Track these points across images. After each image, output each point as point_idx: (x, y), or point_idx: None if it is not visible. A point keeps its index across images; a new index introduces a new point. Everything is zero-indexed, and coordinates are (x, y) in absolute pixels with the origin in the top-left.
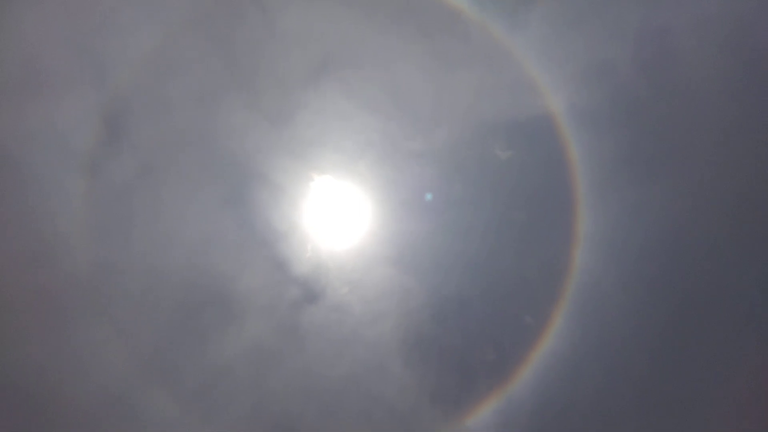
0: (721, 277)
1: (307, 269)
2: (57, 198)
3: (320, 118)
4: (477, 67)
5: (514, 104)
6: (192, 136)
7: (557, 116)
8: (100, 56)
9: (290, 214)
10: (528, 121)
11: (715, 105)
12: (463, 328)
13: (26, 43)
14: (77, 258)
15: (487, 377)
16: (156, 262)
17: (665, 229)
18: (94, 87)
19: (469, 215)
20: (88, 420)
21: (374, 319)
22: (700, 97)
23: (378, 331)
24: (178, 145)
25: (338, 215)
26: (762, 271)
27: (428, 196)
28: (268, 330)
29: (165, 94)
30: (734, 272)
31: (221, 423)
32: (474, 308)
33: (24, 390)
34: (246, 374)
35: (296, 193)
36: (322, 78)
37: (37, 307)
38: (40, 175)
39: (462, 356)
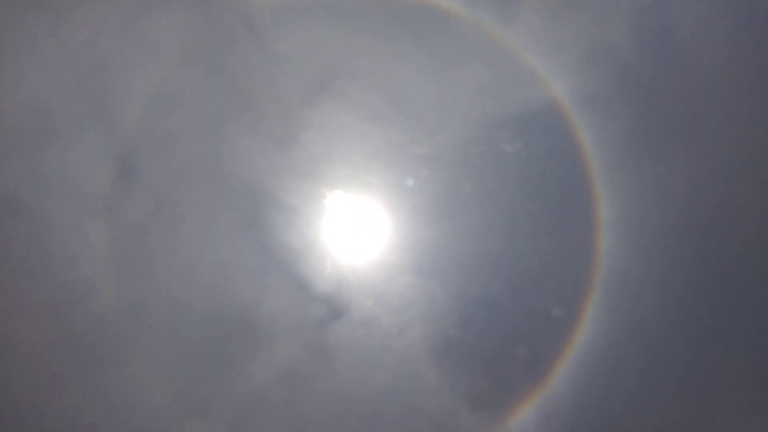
0: (749, 243)
1: (330, 286)
2: (76, 243)
3: (325, 134)
4: (474, 65)
5: (516, 97)
6: (201, 168)
7: (561, 103)
8: (104, 99)
9: (306, 233)
10: (532, 111)
11: (721, 74)
12: (493, 328)
13: (30, 92)
14: (101, 300)
15: (523, 376)
16: (179, 296)
17: (687, 204)
18: (101, 130)
19: (485, 213)
20: None
21: (402, 329)
22: (704, 67)
23: (408, 341)
24: (188, 178)
25: (354, 229)
26: None
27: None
28: (297, 351)
29: (170, 129)
30: (763, 237)
31: None
32: (502, 306)
33: None
34: (279, 398)
35: (310, 212)
36: (321, 94)
37: (67, 353)
38: (58, 221)
39: (495, 357)
